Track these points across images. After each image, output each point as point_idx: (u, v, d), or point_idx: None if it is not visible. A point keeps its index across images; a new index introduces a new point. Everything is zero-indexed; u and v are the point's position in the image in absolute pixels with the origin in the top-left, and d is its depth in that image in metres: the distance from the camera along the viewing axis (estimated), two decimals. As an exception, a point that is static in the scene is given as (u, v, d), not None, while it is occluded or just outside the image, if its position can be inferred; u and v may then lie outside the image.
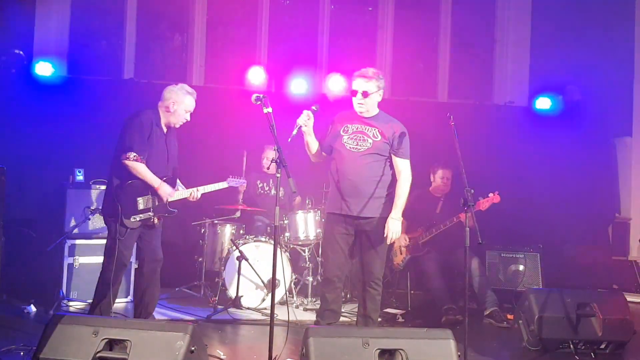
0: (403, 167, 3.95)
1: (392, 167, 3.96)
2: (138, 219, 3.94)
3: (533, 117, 7.29)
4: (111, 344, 2.95)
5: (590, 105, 7.24)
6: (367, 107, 3.90)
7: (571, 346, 4.09)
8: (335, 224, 3.90)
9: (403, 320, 5.07)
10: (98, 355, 2.91)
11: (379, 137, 3.90)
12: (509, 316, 5.05)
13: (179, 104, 4.02)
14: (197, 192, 4.21)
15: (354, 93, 3.89)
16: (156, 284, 4.18)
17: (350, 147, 3.89)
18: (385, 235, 3.85)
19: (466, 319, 3.43)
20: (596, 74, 7.14)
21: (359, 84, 3.87)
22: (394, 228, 3.84)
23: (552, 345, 4.14)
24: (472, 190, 3.45)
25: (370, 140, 3.88)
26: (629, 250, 7.43)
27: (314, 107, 3.85)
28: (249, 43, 7.12)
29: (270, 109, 3.32)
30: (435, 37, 7.58)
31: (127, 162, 3.87)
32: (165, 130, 4.08)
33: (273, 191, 5.97)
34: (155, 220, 4.04)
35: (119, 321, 3.15)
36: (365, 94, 3.85)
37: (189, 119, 4.11)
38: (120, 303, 5.06)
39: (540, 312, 4.12)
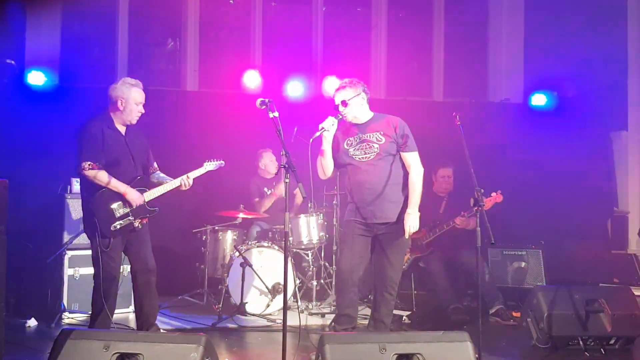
0: (412, 160, 3.93)
1: (403, 165, 3.94)
2: (119, 226, 3.83)
3: (529, 113, 7.30)
4: (123, 358, 2.88)
5: (585, 101, 7.26)
6: (354, 113, 3.92)
7: (581, 342, 4.08)
8: (353, 228, 3.90)
9: (409, 321, 5.04)
10: (110, 370, 2.84)
11: (383, 140, 3.89)
12: (515, 314, 5.04)
13: (127, 99, 3.90)
14: (187, 180, 4.04)
15: (335, 108, 3.92)
16: (153, 294, 4.05)
17: (360, 158, 3.89)
18: (404, 231, 3.83)
19: (480, 320, 3.42)
20: (590, 69, 7.17)
21: (336, 97, 3.93)
22: (413, 222, 3.83)
23: (562, 342, 4.13)
24: (482, 190, 3.43)
25: (376, 145, 3.88)
26: (628, 243, 7.47)
27: (339, 116, 3.86)
28: (243, 47, 7.08)
29: (276, 114, 3.27)
30: (429, 37, 7.57)
31: (85, 172, 3.78)
32: (123, 130, 3.96)
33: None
34: (137, 224, 3.91)
35: (130, 334, 3.08)
36: (344, 103, 3.89)
37: (142, 110, 3.96)
38: (122, 314, 4.98)
39: (549, 309, 4.10)
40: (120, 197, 3.85)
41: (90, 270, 4.90)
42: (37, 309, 4.86)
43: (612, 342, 4.13)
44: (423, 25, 7.55)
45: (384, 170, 3.86)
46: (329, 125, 3.81)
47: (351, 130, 3.96)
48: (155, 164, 4.21)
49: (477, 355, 2.91)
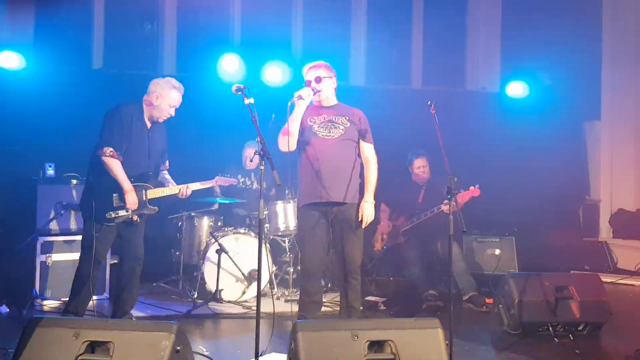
0: (370, 153, 4.02)
1: (359, 155, 4.01)
2: (114, 215, 3.84)
3: (505, 102, 7.38)
4: (93, 347, 2.84)
5: (560, 91, 7.37)
6: (326, 92, 3.94)
7: (550, 329, 4.16)
8: (313, 216, 3.87)
9: (384, 307, 5.09)
10: (80, 358, 2.79)
11: (348, 124, 3.93)
12: (488, 300, 5.12)
13: (163, 97, 3.92)
14: (186, 190, 4.11)
15: (308, 83, 3.91)
16: (134, 284, 4.07)
17: (323, 135, 3.88)
18: (360, 220, 3.89)
19: (451, 306, 3.45)
20: (565, 60, 7.27)
21: (310, 74, 3.93)
22: (369, 211, 3.90)
23: (532, 328, 4.21)
24: (456, 179, 3.46)
25: (341, 127, 3.91)
26: (599, 231, 7.63)
27: (315, 90, 3.88)
28: (222, 31, 6.99)
29: (252, 100, 3.24)
30: (408, 25, 7.59)
31: (104, 157, 3.78)
32: (149, 124, 3.97)
33: (255, 185, 5.89)
34: (135, 218, 3.94)
35: (101, 322, 3.06)
36: (318, 79, 3.89)
37: (173, 114, 4.00)
38: (96, 300, 4.93)
39: (520, 296, 4.18)
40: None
41: (63, 257, 4.95)
42: (9, 295, 4.78)
43: (580, 328, 4.23)
44: (402, 14, 7.56)
45: (346, 151, 3.91)
46: (306, 95, 3.81)
47: (317, 111, 3.97)
48: (167, 163, 4.23)
49: (447, 342, 2.95)
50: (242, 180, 5.90)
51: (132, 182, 3.88)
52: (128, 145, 3.84)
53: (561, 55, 7.22)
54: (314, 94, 3.88)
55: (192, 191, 4.20)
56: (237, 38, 7.01)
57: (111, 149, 3.76)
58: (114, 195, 3.85)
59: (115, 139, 3.78)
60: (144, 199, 3.95)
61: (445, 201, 5.03)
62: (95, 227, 3.80)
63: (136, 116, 3.88)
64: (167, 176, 4.20)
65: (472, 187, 4.95)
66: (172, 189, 4.08)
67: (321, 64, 3.97)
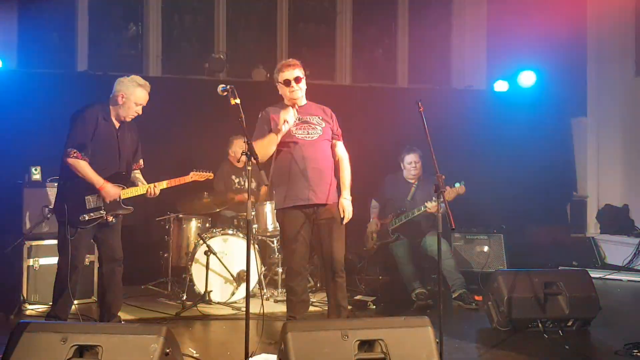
0: (343, 150, 4.03)
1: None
2: (87, 218, 3.78)
3: (492, 100, 7.43)
4: (81, 351, 2.82)
5: (546, 88, 7.42)
6: (302, 92, 3.90)
7: (540, 325, 4.18)
8: (297, 217, 3.84)
9: (374, 306, 5.08)
10: (68, 362, 2.78)
11: (323, 124, 3.92)
12: (477, 297, 5.13)
13: (129, 96, 3.83)
14: (154, 189, 4.02)
15: (287, 82, 3.84)
16: (116, 285, 4.01)
17: (302, 137, 3.84)
18: (342, 217, 3.87)
19: (440, 304, 3.45)
20: (552, 57, 7.32)
21: (288, 74, 3.84)
22: (350, 208, 3.88)
23: (522, 324, 4.23)
24: (444, 176, 3.46)
25: (318, 127, 3.88)
26: (586, 227, 7.69)
27: (296, 106, 3.84)
28: (207, 32, 6.97)
29: (238, 100, 3.22)
30: (394, 23, 7.61)
31: (68, 160, 3.73)
32: (117, 124, 3.91)
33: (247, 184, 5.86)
34: (110, 219, 3.88)
35: (89, 326, 3.03)
36: (298, 80, 3.84)
37: (140, 112, 3.92)
38: (85, 304, 4.89)
39: (509, 293, 4.20)
40: (96, 189, 3.80)
41: (50, 261, 4.87)
42: (-5, 300, 4.74)
43: (569, 324, 4.26)
44: (388, 12, 7.58)
45: (326, 151, 3.91)
46: (292, 119, 3.77)
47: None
48: (140, 162, 4.15)
49: (437, 340, 2.95)
50: (236, 181, 5.85)
51: None
52: (96, 147, 3.78)
53: (547, 53, 7.28)
54: (297, 108, 3.82)
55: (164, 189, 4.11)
56: (222, 39, 6.99)
57: (75, 151, 3.71)
58: (86, 197, 3.78)
59: (79, 140, 3.73)
60: (118, 199, 3.89)
61: (430, 201, 5.07)
62: (70, 231, 3.74)
63: (102, 117, 3.82)
64: (139, 175, 4.13)
65: (458, 185, 4.96)
66: (142, 188, 4.00)
67: (297, 63, 3.89)
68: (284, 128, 3.73)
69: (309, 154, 3.80)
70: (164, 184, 4.11)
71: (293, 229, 3.84)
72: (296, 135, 3.82)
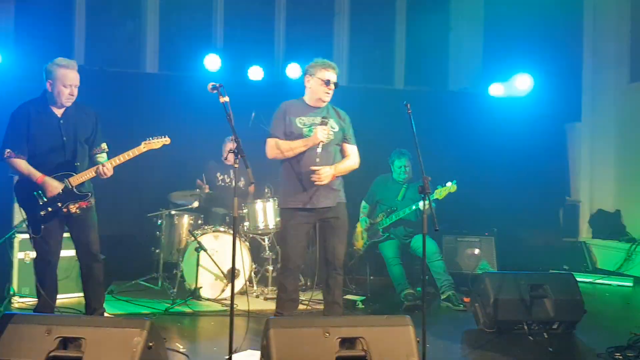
0: (354, 153, 4.03)
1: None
2: (43, 213, 3.72)
3: (487, 103, 7.44)
4: (65, 343, 2.85)
5: (542, 92, 7.44)
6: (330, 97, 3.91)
7: (525, 327, 4.21)
8: (297, 216, 3.86)
9: (363, 306, 5.11)
10: (52, 354, 2.81)
11: (336, 127, 3.92)
12: (466, 299, 5.16)
13: (55, 80, 3.72)
14: (102, 169, 3.77)
15: (327, 82, 3.83)
16: (94, 280, 3.94)
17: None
18: (321, 180, 3.78)
19: (423, 304, 3.48)
20: (547, 62, 7.35)
21: (329, 75, 3.84)
22: (328, 173, 3.78)
23: (507, 326, 4.26)
24: (430, 178, 3.49)
25: (331, 131, 3.87)
26: (579, 231, 7.72)
27: (326, 120, 3.80)
28: (205, 29, 7.00)
29: (227, 98, 3.24)
30: (392, 25, 7.63)
31: (6, 160, 3.73)
32: (59, 112, 3.80)
33: (234, 182, 5.87)
34: (73, 210, 3.80)
35: (73, 319, 3.05)
36: (335, 85, 3.86)
37: (75, 93, 3.77)
38: (73, 298, 4.92)
39: (495, 294, 4.22)
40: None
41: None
42: (-14, 293, 4.76)
43: (555, 326, 4.28)
44: (386, 14, 7.60)
45: (333, 156, 3.91)
46: (326, 138, 3.76)
47: (306, 112, 3.92)
48: (102, 145, 4.00)
49: (418, 339, 2.98)
50: (220, 178, 5.89)
51: (51, 175, 3.75)
52: (34, 142, 3.73)
53: (543, 57, 7.31)
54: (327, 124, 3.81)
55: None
56: (220, 36, 7.02)
57: (9, 150, 3.70)
58: (35, 193, 3.73)
59: (11, 139, 3.72)
60: (70, 187, 3.77)
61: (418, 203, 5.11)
62: (32, 229, 3.73)
63: (35, 110, 3.76)
64: (100, 159, 3.94)
65: (449, 183, 5.00)
66: (91, 170, 3.80)
67: (335, 66, 3.89)
68: (318, 150, 3.72)
69: (313, 160, 3.80)
70: (115, 161, 3.86)
71: (293, 228, 3.87)
72: (307, 137, 3.83)
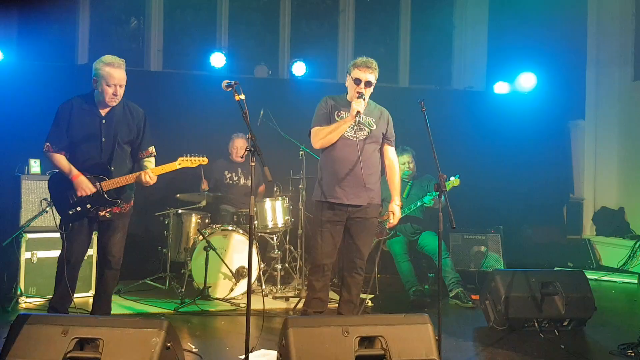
0: (395, 156, 4.04)
1: (380, 156, 3.99)
2: (71, 212, 3.69)
3: (491, 101, 7.45)
4: (82, 343, 2.83)
5: (545, 90, 7.45)
6: (367, 96, 3.87)
7: (536, 324, 4.22)
8: (328, 212, 3.84)
9: (372, 304, 5.11)
10: (69, 355, 2.77)
11: (375, 126, 3.90)
12: (474, 297, 5.16)
13: (99, 79, 3.63)
14: (146, 176, 3.70)
15: (357, 81, 3.82)
16: (102, 285, 3.87)
17: (349, 135, 3.82)
18: (390, 221, 3.99)
19: (439, 302, 3.47)
20: (551, 60, 7.35)
21: (365, 75, 3.82)
22: (398, 214, 4.02)
23: (518, 324, 4.27)
24: (446, 176, 3.48)
25: (367, 129, 3.86)
26: (582, 229, 7.74)
27: (363, 95, 3.78)
28: (209, 26, 6.96)
29: (243, 96, 3.21)
30: (396, 23, 7.62)
31: (45, 153, 3.70)
32: (103, 112, 3.72)
33: (242, 180, 5.87)
34: (102, 213, 3.74)
35: (90, 319, 3.02)
36: (369, 84, 3.85)
37: (119, 93, 3.66)
38: (83, 298, 4.89)
39: (506, 292, 4.23)
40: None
41: (48, 254, 4.88)
42: (-7, 292, 4.73)
43: (565, 323, 4.30)
44: (390, 12, 7.58)
45: (370, 153, 3.87)
46: (362, 108, 3.73)
47: (345, 106, 3.89)
48: (150, 149, 3.90)
49: (437, 337, 2.97)
50: (228, 176, 5.87)
51: (85, 175, 3.69)
52: (74, 139, 3.68)
53: (547, 55, 7.31)
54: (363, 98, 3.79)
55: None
56: (225, 34, 6.98)
57: (48, 144, 3.67)
58: (68, 191, 3.69)
59: (52, 135, 3.68)
60: (101, 191, 3.70)
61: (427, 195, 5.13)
62: (63, 225, 3.70)
63: (78, 107, 3.69)
64: (148, 164, 3.86)
65: (452, 178, 5.02)
66: (130, 177, 3.74)
67: (375, 68, 3.88)
68: (357, 119, 3.70)
69: (349, 154, 3.79)
70: (159, 170, 3.80)
71: (322, 223, 3.84)
72: (345, 133, 3.81)
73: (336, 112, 3.89)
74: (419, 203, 5.20)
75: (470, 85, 7.57)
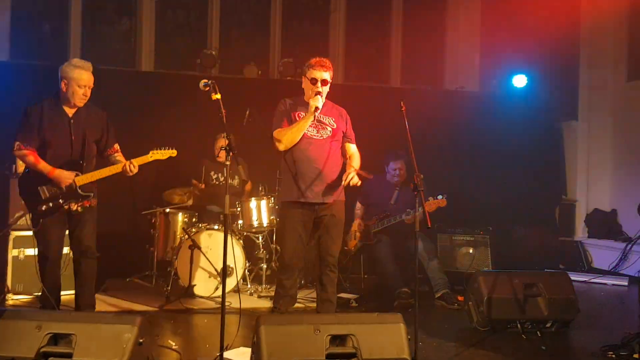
0: (356, 149, 4.05)
1: (343, 153, 4.02)
2: (44, 208, 3.77)
3: (483, 102, 7.44)
4: (56, 339, 2.86)
5: (538, 91, 7.44)
6: (324, 94, 3.91)
7: (518, 325, 4.21)
8: (295, 212, 3.88)
9: (357, 305, 5.10)
10: (42, 350, 2.81)
11: (335, 125, 3.95)
12: (460, 298, 5.15)
13: (69, 80, 3.80)
14: (130, 166, 3.86)
15: (313, 81, 3.86)
16: (84, 278, 3.95)
17: (312, 135, 3.87)
18: (346, 180, 3.80)
19: (417, 302, 3.47)
20: (544, 60, 7.34)
21: (319, 74, 3.86)
22: (353, 174, 3.80)
23: (501, 325, 4.26)
24: (422, 175, 3.48)
25: (329, 128, 3.91)
26: (574, 231, 7.72)
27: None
28: (200, 27, 6.99)
29: (219, 95, 3.24)
30: (388, 23, 7.63)
31: (14, 152, 3.80)
32: (70, 112, 3.87)
33: (229, 181, 5.87)
34: (74, 208, 3.85)
35: (64, 315, 3.06)
36: (325, 82, 3.88)
37: (88, 94, 3.85)
38: (68, 295, 4.91)
39: (489, 293, 4.21)
40: (49, 179, 3.79)
41: (35, 251, 4.86)
42: (-21, 290, 4.75)
43: (548, 325, 4.28)
44: (382, 11, 7.60)
45: (333, 152, 3.93)
46: (320, 104, 3.81)
47: (303, 107, 3.93)
48: (115, 146, 4.07)
49: (409, 337, 2.98)
50: (214, 176, 5.88)
51: None
52: (45, 138, 3.79)
53: (539, 55, 7.30)
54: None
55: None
56: (215, 35, 7.01)
57: (18, 143, 3.76)
58: (40, 188, 3.78)
59: (22, 135, 3.78)
60: (74, 186, 3.82)
61: (408, 210, 5.09)
62: (33, 222, 3.78)
63: (48, 109, 3.83)
64: (118, 158, 4.01)
65: (440, 196, 4.97)
66: (111, 168, 3.89)
67: (330, 66, 3.91)
68: (316, 114, 3.77)
69: (314, 154, 3.84)
70: (139, 160, 3.95)
71: (290, 223, 3.90)
72: (307, 132, 3.85)
73: (296, 113, 3.92)
74: (398, 218, 5.21)
75: (462, 85, 7.56)
